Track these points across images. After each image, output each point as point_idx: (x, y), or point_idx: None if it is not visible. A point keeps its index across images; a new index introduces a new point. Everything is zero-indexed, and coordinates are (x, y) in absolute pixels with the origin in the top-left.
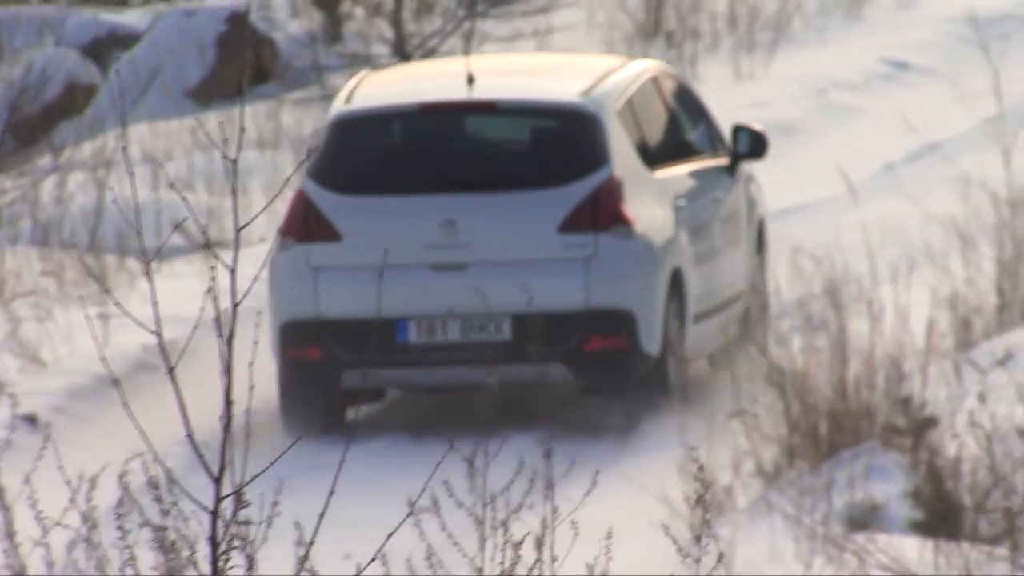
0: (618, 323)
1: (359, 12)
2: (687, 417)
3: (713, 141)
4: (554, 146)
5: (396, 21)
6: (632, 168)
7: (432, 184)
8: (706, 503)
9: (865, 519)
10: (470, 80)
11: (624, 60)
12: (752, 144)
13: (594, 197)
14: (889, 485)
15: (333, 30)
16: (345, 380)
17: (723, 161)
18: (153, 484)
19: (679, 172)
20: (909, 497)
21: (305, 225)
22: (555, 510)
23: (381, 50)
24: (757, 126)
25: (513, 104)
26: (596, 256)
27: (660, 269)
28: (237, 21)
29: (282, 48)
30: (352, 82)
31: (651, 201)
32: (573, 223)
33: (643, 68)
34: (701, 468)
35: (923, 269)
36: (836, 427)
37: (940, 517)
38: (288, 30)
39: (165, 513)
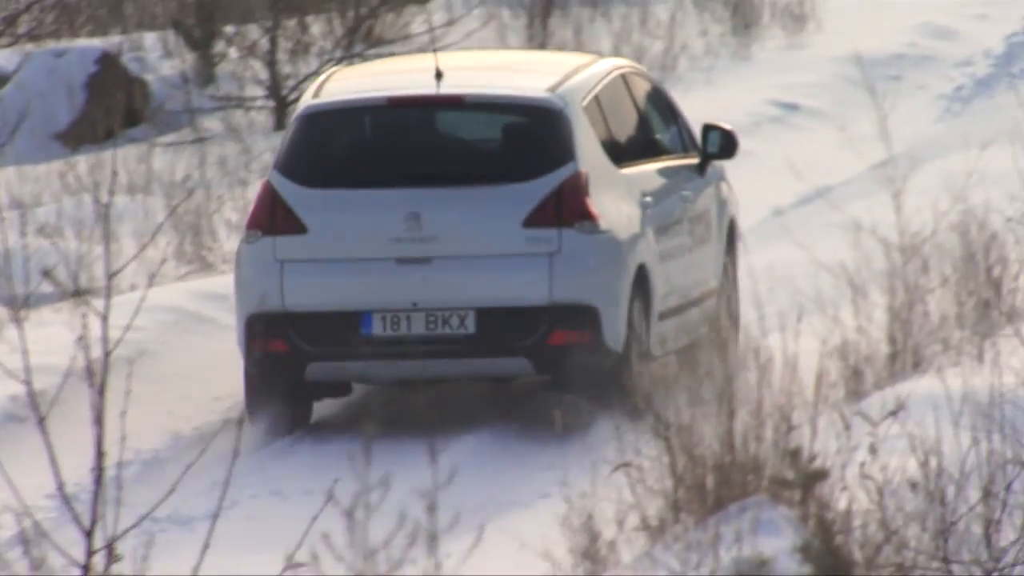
0: (581, 318)
1: (233, 53)
2: (570, 467)
3: (683, 141)
4: (520, 141)
5: (271, 62)
6: (598, 164)
7: (397, 178)
8: (590, 558)
9: (753, 574)
10: (438, 75)
11: (593, 57)
12: (722, 144)
13: (559, 192)
14: (778, 539)
15: (206, 71)
16: (310, 372)
17: (693, 160)
18: (23, 538)
19: (647, 170)
20: (798, 552)
21: (271, 218)
22: (438, 566)
23: (256, 92)
24: (726, 125)
25: (480, 99)
26: (560, 251)
27: (624, 265)
28: (108, 62)
29: (154, 90)
30: (321, 77)
31: (617, 197)
32: (538, 218)
33: (612, 65)
34: (585, 521)
35: (813, 317)
36: (723, 480)
37: (830, 572)
38: (160, 71)
39: (35, 568)
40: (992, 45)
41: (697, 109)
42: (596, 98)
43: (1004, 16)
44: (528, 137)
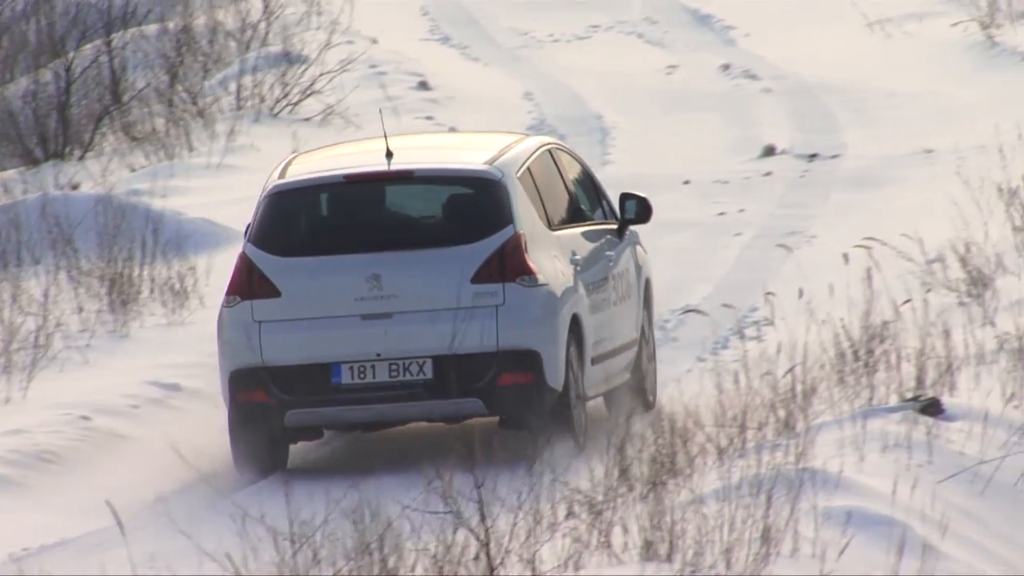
0: (526, 361)
1: None
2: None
3: (603, 208)
4: (465, 208)
5: None
6: (534, 227)
7: (358, 244)
8: None
9: None
10: (389, 155)
11: (522, 135)
12: (638, 210)
13: (501, 251)
14: None
15: None
16: (289, 419)
17: (613, 226)
18: None
19: (575, 232)
20: None
21: (249, 284)
22: None
23: None
24: (641, 194)
25: (428, 173)
26: (505, 303)
27: (561, 314)
28: None
29: None
30: (284, 160)
31: (551, 256)
32: (484, 275)
33: (540, 142)
34: None
35: None
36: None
37: None
38: None
39: None
40: None
41: (71, 391)
42: (528, 169)
43: None
44: (471, 204)
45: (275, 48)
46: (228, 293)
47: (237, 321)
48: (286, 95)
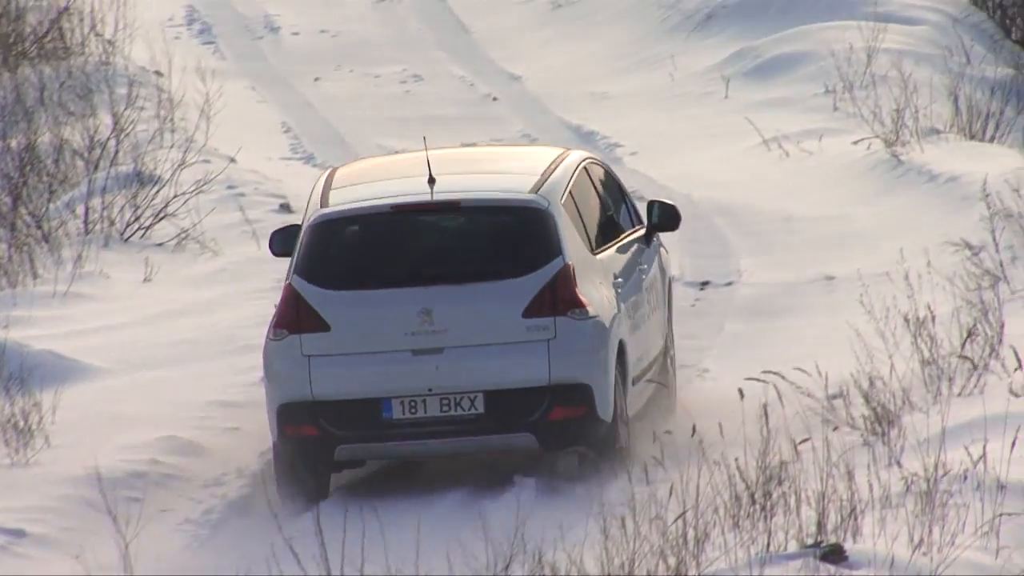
0: (577, 395)
1: None
2: None
3: (631, 216)
4: (513, 239)
5: None
6: (580, 254)
7: (408, 278)
8: None
9: None
10: (431, 181)
11: (561, 152)
12: (666, 217)
13: (552, 285)
14: None
15: None
16: (338, 454)
17: (641, 232)
18: None
19: (613, 251)
20: None
21: (297, 318)
22: None
23: None
24: (669, 200)
25: (474, 203)
26: (556, 337)
27: (610, 344)
28: None
29: None
30: (320, 184)
31: (597, 282)
32: (535, 309)
33: (578, 159)
34: None
35: None
36: None
37: None
38: None
39: None
40: (247, 462)
41: None
42: (570, 193)
43: (257, 431)
44: (519, 235)
45: (126, 168)
46: (276, 326)
47: (285, 355)
48: (137, 218)
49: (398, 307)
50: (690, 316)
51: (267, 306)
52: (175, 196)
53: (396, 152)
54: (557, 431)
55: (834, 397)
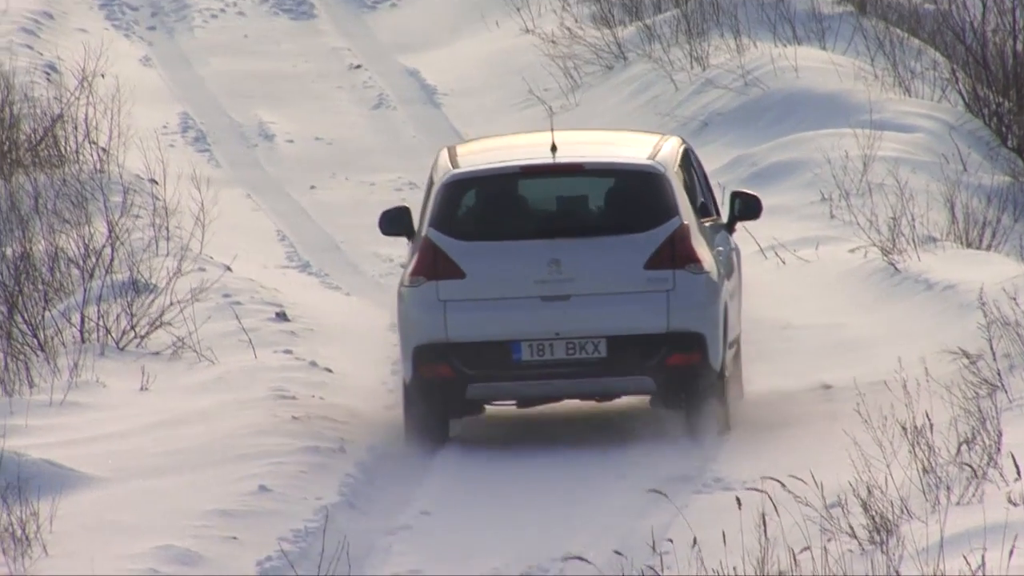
0: (693, 343)
1: None
2: None
3: (714, 201)
4: (633, 199)
5: None
6: (690, 218)
7: (538, 231)
8: None
9: None
10: (553, 148)
11: (663, 135)
12: (748, 207)
13: (671, 240)
14: None
15: None
16: (470, 392)
17: (723, 222)
18: None
19: (708, 225)
20: None
21: (434, 266)
22: None
23: None
24: (751, 191)
25: (597, 166)
26: (675, 288)
27: (720, 300)
28: None
29: None
30: (444, 153)
31: (705, 246)
32: (656, 262)
33: (678, 141)
34: None
35: None
36: None
37: None
38: None
39: None
40: (245, 571)
41: None
42: (678, 165)
43: (256, 540)
44: (639, 196)
45: (121, 276)
46: (412, 274)
47: (422, 300)
48: (133, 327)
49: (529, 257)
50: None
51: (265, 415)
52: (171, 305)
53: (389, 260)
54: (673, 376)
55: (832, 506)
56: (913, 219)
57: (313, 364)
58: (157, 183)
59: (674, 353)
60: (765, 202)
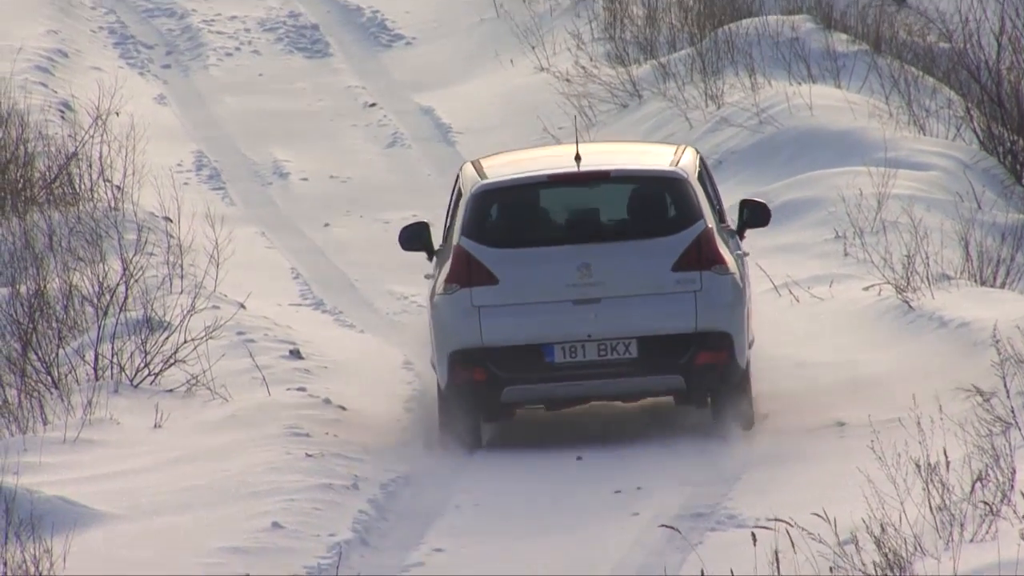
0: (720, 342)
1: None
2: None
3: (724, 211)
4: (658, 204)
5: None
6: (712, 223)
7: (568, 237)
8: None
9: None
10: (577, 158)
11: (679, 145)
12: (757, 215)
13: (698, 243)
14: None
15: None
16: (505, 395)
17: (733, 228)
18: None
19: (724, 231)
20: None
21: (468, 273)
22: None
23: None
24: (760, 199)
25: (623, 173)
26: (702, 289)
27: (744, 300)
28: None
29: None
30: (469, 167)
31: (726, 249)
32: (683, 264)
33: (694, 152)
34: None
35: None
36: None
37: None
38: None
39: None
40: None
41: None
42: (698, 173)
43: None
44: (664, 201)
45: (135, 314)
46: (447, 281)
47: (457, 306)
48: (147, 364)
49: (560, 262)
50: (702, 462)
51: (279, 452)
52: (185, 342)
53: (404, 298)
54: (702, 374)
55: (846, 543)
56: (927, 257)
57: (327, 401)
58: (171, 221)
59: (703, 352)
60: (779, 240)
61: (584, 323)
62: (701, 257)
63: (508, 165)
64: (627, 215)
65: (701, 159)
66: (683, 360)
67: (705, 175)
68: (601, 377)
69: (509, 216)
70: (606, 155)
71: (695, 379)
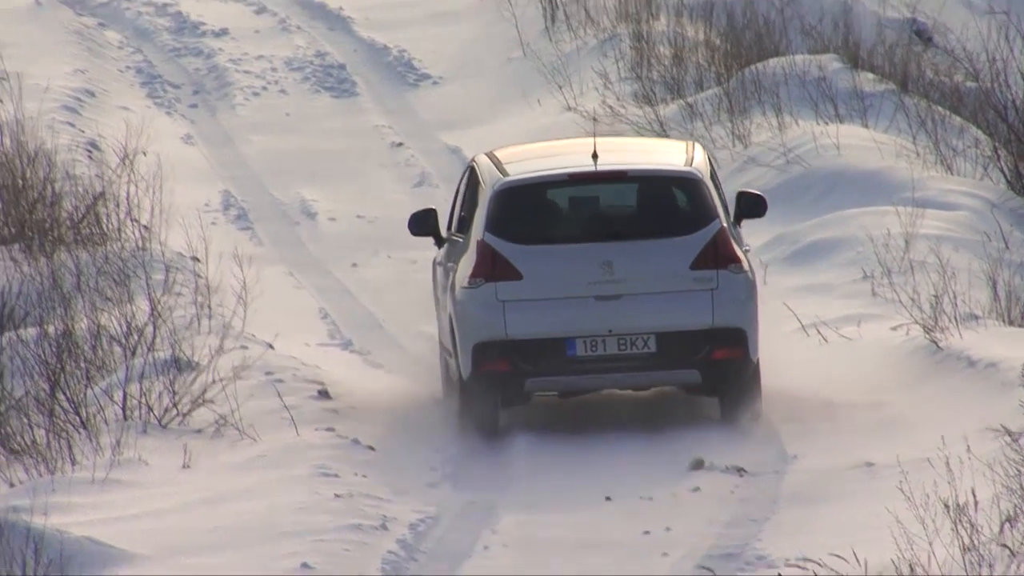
0: (735, 338)
1: None
2: None
3: (727, 205)
4: (676, 203)
5: None
6: (726, 221)
7: (591, 234)
8: None
9: None
10: (595, 156)
11: (689, 142)
12: (753, 205)
13: (714, 242)
14: None
15: None
16: (528, 386)
17: (732, 219)
18: None
19: (733, 227)
20: None
21: (493, 268)
22: None
23: None
24: (756, 191)
25: (639, 172)
26: (718, 287)
27: (757, 297)
28: None
29: None
30: (484, 159)
31: (739, 246)
32: (701, 262)
33: (703, 150)
34: None
35: None
36: None
37: None
38: None
39: None
40: None
41: None
42: (710, 171)
43: None
44: (680, 200)
45: (163, 354)
46: (472, 276)
47: (482, 300)
48: (175, 404)
49: (582, 259)
50: (730, 503)
51: (307, 493)
52: (213, 382)
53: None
54: (718, 369)
55: None
56: (955, 297)
57: (355, 442)
58: (199, 261)
59: (719, 347)
60: (807, 280)
61: (605, 318)
62: (718, 256)
63: (526, 161)
64: (646, 214)
65: (709, 157)
66: (700, 355)
67: (714, 171)
68: (620, 371)
69: (532, 213)
70: (621, 153)
71: (711, 374)
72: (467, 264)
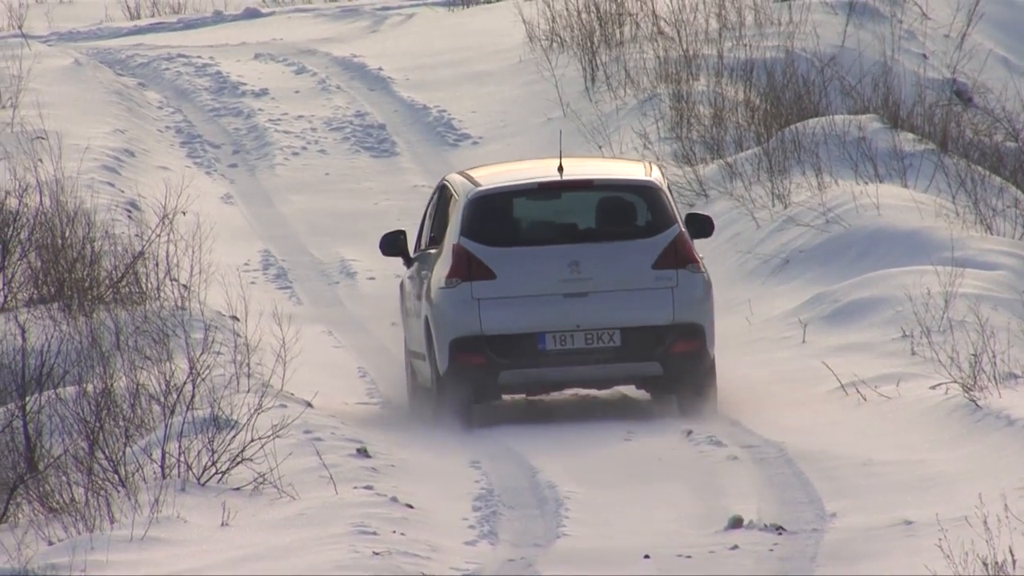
0: (694, 333)
1: None
2: None
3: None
4: (638, 209)
5: None
6: (684, 226)
7: (560, 237)
8: None
9: None
10: (560, 169)
11: (645, 159)
12: (701, 226)
13: (674, 244)
14: None
15: None
16: (502, 378)
17: None
18: None
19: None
20: None
21: (468, 269)
22: None
23: None
24: (705, 213)
25: (604, 182)
26: (678, 286)
27: (713, 296)
28: None
29: None
30: (457, 176)
31: (695, 250)
32: (662, 262)
33: (658, 166)
34: None
35: None
36: None
37: None
38: None
39: None
40: None
41: None
42: (667, 186)
43: None
44: (643, 207)
45: (202, 412)
46: (449, 276)
47: (458, 299)
48: (214, 463)
49: (552, 260)
50: (769, 561)
51: (346, 551)
52: (252, 441)
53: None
54: (677, 362)
55: None
56: (994, 356)
57: (394, 500)
58: (238, 320)
59: (679, 341)
60: (846, 339)
61: (573, 315)
62: (678, 257)
63: (497, 175)
64: (610, 218)
65: (663, 173)
66: (661, 349)
67: (670, 188)
68: (587, 363)
69: (504, 218)
70: (585, 166)
71: (671, 366)
72: (443, 267)
